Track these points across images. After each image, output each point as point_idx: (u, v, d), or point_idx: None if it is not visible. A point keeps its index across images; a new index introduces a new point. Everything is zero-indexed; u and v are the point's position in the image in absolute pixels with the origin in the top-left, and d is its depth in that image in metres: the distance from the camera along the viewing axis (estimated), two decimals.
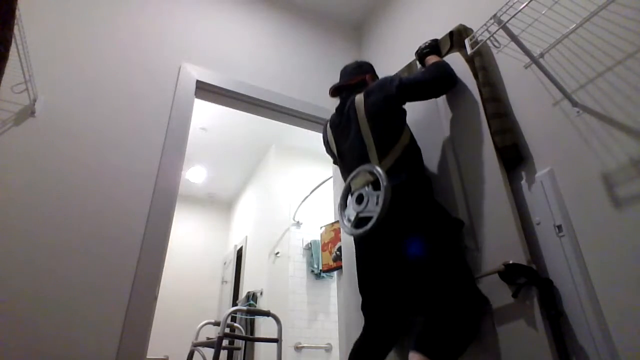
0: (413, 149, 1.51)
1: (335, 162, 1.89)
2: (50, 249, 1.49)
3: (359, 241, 1.55)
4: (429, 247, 1.31)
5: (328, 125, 1.76)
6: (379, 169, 1.36)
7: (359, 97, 1.57)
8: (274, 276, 3.77)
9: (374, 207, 1.35)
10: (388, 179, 1.32)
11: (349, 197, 1.49)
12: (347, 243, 2.12)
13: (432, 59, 1.68)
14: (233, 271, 4.74)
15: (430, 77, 1.54)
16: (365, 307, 1.52)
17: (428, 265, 1.31)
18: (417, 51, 1.79)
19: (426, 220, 1.36)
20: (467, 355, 1.30)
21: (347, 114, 1.61)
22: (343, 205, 1.52)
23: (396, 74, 1.71)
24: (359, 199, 1.42)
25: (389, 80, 1.56)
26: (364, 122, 1.51)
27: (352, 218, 1.42)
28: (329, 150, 1.81)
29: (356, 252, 1.59)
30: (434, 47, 1.74)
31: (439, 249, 1.32)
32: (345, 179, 1.59)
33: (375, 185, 1.37)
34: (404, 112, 1.57)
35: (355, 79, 1.71)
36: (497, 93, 1.50)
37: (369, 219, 1.34)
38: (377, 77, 1.77)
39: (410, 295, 1.42)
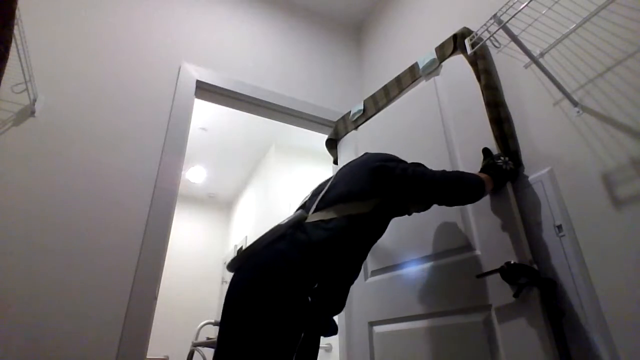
0: (359, 227, 1.18)
1: (335, 162, 1.87)
2: (50, 249, 1.49)
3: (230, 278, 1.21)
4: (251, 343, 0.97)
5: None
6: (297, 213, 1.21)
7: (362, 155, 1.38)
8: None
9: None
10: (291, 222, 1.14)
11: None
12: None
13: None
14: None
15: (443, 179, 1.18)
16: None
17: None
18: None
19: (282, 297, 1.01)
20: (468, 355, 1.31)
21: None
22: None
23: (394, 162, 1.25)
24: None
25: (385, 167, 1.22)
26: (339, 174, 1.32)
27: None
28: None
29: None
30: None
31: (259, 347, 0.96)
32: None
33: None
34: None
35: None
36: (500, 97, 1.50)
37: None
38: None
39: None
